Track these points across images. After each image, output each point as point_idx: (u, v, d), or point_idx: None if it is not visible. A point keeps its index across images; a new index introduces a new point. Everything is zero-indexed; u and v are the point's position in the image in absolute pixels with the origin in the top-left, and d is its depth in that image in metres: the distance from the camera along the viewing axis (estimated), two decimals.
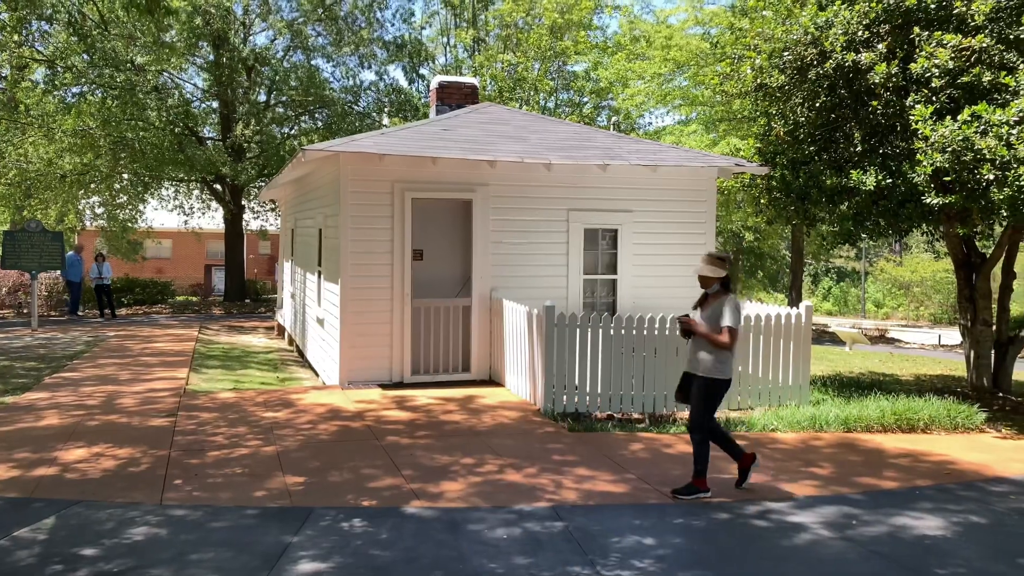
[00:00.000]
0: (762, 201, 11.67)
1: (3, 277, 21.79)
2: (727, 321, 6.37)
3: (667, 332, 9.41)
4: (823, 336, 22.14)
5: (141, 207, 26.15)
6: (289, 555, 5.00)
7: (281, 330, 17.08)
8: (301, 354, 14.07)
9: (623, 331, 9.32)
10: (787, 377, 9.88)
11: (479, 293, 10.96)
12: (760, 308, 10.96)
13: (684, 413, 9.44)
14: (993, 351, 11.20)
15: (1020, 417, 9.82)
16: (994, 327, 11.21)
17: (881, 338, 23.14)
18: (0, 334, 16.48)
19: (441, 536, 5.40)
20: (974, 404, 9.58)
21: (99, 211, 25.67)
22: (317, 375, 12.08)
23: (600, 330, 9.26)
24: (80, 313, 21.52)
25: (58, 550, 4.99)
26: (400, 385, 10.60)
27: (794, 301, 24.52)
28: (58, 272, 22.55)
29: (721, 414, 9.31)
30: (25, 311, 21.00)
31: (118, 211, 25.32)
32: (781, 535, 5.56)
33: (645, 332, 9.38)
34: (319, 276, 12.24)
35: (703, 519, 5.87)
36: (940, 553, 5.22)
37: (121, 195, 25.38)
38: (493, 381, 10.94)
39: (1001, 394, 10.93)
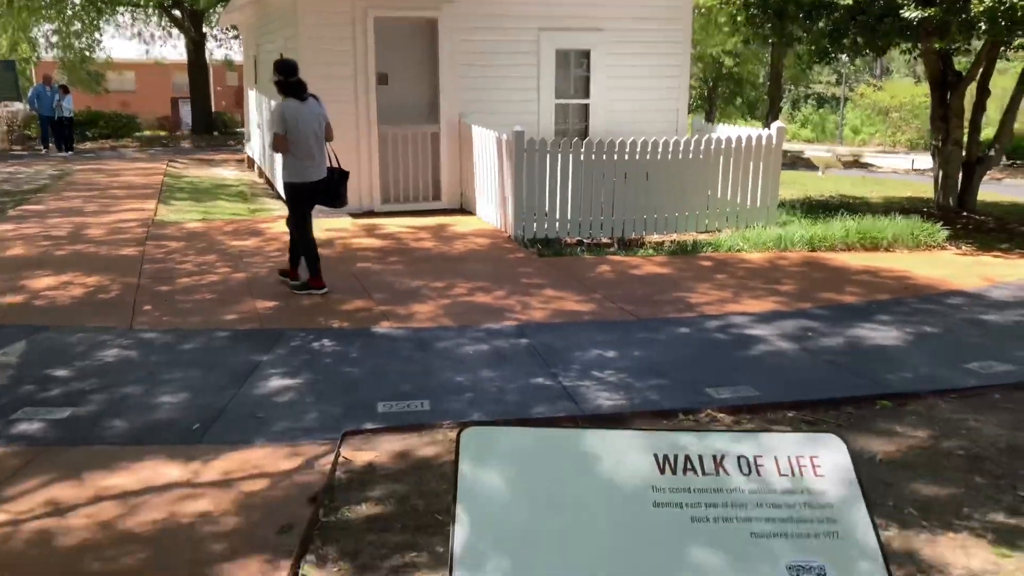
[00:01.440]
0: (738, 19, 11.28)
1: None
2: (273, 128, 6.79)
3: (637, 157, 9.32)
4: (797, 162, 22.08)
5: (98, 35, 24.93)
6: (259, 373, 5.12)
7: (251, 162, 16.76)
8: (271, 185, 13.88)
9: (594, 156, 9.21)
10: (755, 199, 9.91)
11: (448, 119, 10.72)
12: (731, 130, 10.84)
13: (652, 237, 9.53)
14: (961, 171, 11.24)
15: (981, 235, 9.99)
16: (964, 148, 11.19)
17: (855, 163, 23.13)
18: None
19: (409, 353, 5.53)
20: (938, 223, 9.71)
21: (54, 39, 24.47)
22: None
23: (571, 155, 9.15)
24: (50, 147, 20.97)
25: (30, 372, 5.08)
26: (371, 214, 10.55)
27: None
28: (20, 105, 21.74)
29: (689, 236, 9.42)
30: None
31: (74, 40, 24.14)
32: (739, 346, 5.74)
33: (616, 157, 9.28)
34: None
35: (664, 333, 6.03)
36: (890, 360, 5.43)
37: (74, 21, 24.11)
38: (464, 209, 10.91)
39: (966, 213, 11.07)
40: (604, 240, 9.38)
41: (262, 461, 3.90)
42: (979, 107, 11.16)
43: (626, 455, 1.80)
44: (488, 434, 1.91)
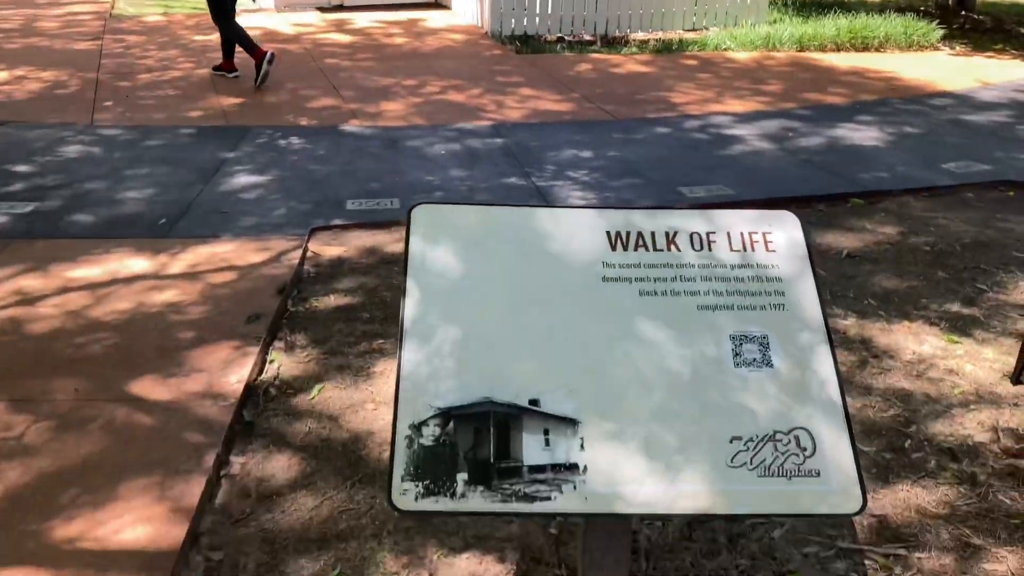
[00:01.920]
0: None
1: None
2: None
3: None
4: None
5: None
6: (225, 169, 5.01)
7: None
8: None
9: None
10: None
11: None
12: None
13: (637, 35, 9.15)
14: None
15: (978, 35, 9.67)
16: None
17: None
18: None
19: (379, 152, 5.41)
20: (934, 22, 9.34)
21: None
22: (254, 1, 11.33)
23: None
24: None
25: None
26: (340, 8, 10.02)
27: None
28: None
29: (675, 34, 9.05)
30: None
31: None
32: (718, 146, 5.64)
33: None
34: None
35: (642, 133, 5.91)
36: (867, 159, 5.37)
37: None
38: (440, 3, 10.37)
39: (964, 12, 10.65)
40: (587, 37, 9.00)
41: (230, 255, 3.88)
42: None
43: (578, 232, 1.77)
44: (439, 211, 1.86)
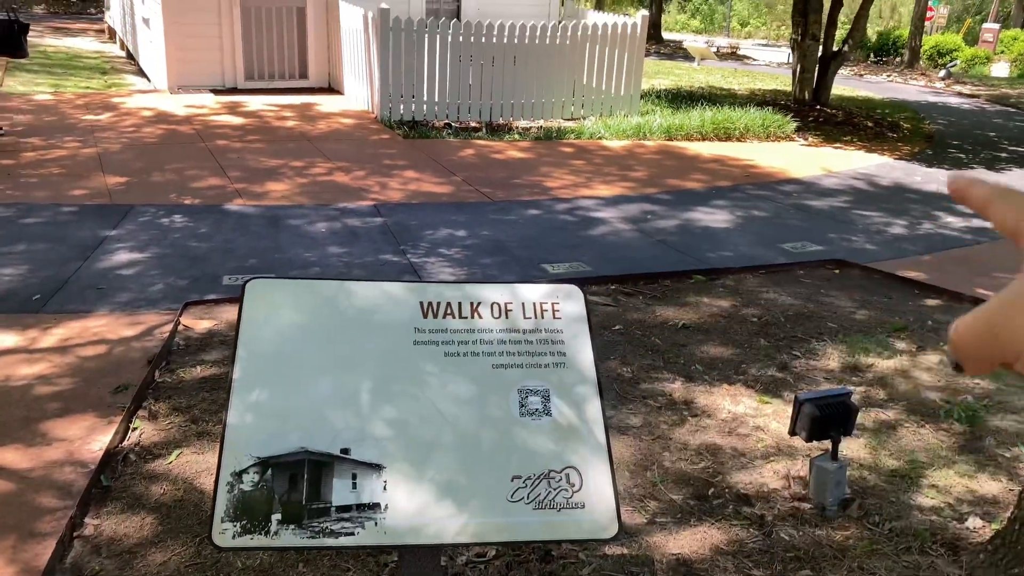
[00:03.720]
0: None
1: None
2: None
3: (505, 41, 9.35)
4: (676, 52, 22.42)
5: None
6: (105, 247, 5.12)
7: (112, 33, 15.77)
8: (133, 59, 13.19)
9: (461, 38, 9.20)
10: (620, 87, 10.16)
11: None
12: (600, 17, 10.96)
13: (520, 122, 9.70)
14: (818, 65, 11.78)
15: (829, 127, 10.62)
16: (821, 43, 11.70)
17: (732, 55, 23.65)
18: None
19: (261, 230, 5.61)
20: (790, 115, 10.24)
21: None
22: (148, 80, 11.47)
23: (438, 36, 9.11)
24: None
25: None
26: (234, 91, 10.26)
27: (655, 16, 24.43)
28: None
29: (556, 123, 9.64)
30: None
31: None
32: (583, 227, 6.07)
33: (483, 40, 9.29)
34: None
35: (515, 215, 6.30)
36: (716, 239, 5.88)
37: None
38: (332, 88, 10.75)
39: (819, 106, 11.68)
40: (472, 124, 9.49)
41: (102, 329, 4.00)
42: (836, 3, 11.62)
43: (395, 302, 2.04)
44: (272, 285, 2.12)
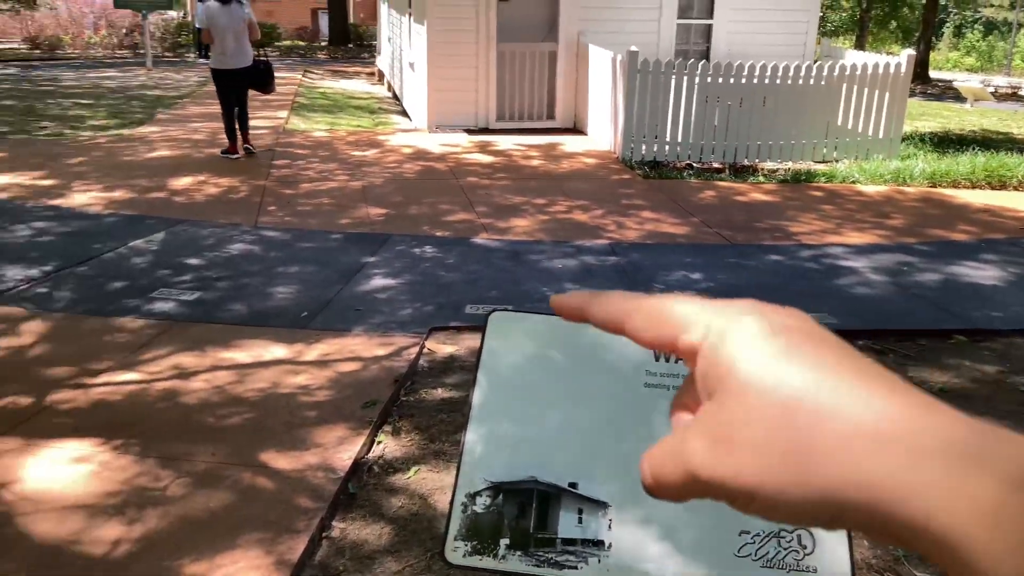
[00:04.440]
0: None
1: (120, 17, 22.44)
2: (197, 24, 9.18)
3: (755, 81, 9.15)
4: (945, 92, 20.80)
5: None
6: (365, 272, 5.58)
7: (381, 76, 17.28)
8: (397, 99, 14.36)
9: (709, 79, 9.12)
10: (879, 130, 9.59)
11: (566, 37, 10.77)
12: (859, 56, 10.43)
13: (766, 164, 9.42)
14: None
15: None
16: None
17: (1013, 96, 21.54)
18: (118, 72, 17.33)
19: (502, 263, 5.87)
20: None
21: None
22: (410, 120, 12.42)
23: (685, 77, 9.10)
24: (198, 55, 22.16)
25: (166, 259, 5.72)
26: (485, 131, 10.84)
27: (922, 53, 22.85)
28: (173, 13, 22.99)
29: (805, 166, 9.27)
30: (141, 52, 21.79)
31: None
32: (828, 275, 5.77)
33: (732, 80, 9.16)
34: (409, 18, 12.20)
35: (755, 259, 6.12)
36: (983, 297, 5.35)
37: None
38: (577, 129, 11.03)
39: None
40: (715, 165, 9.35)
41: (357, 347, 4.35)
42: None
43: (629, 344, 2.06)
44: (513, 318, 2.21)
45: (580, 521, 2.09)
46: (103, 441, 3.31)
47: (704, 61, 9.31)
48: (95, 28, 23.24)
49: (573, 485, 2.14)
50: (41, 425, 3.45)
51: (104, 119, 11.23)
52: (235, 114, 8.74)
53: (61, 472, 3.08)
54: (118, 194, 7.32)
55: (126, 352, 4.20)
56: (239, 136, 8.86)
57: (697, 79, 9.07)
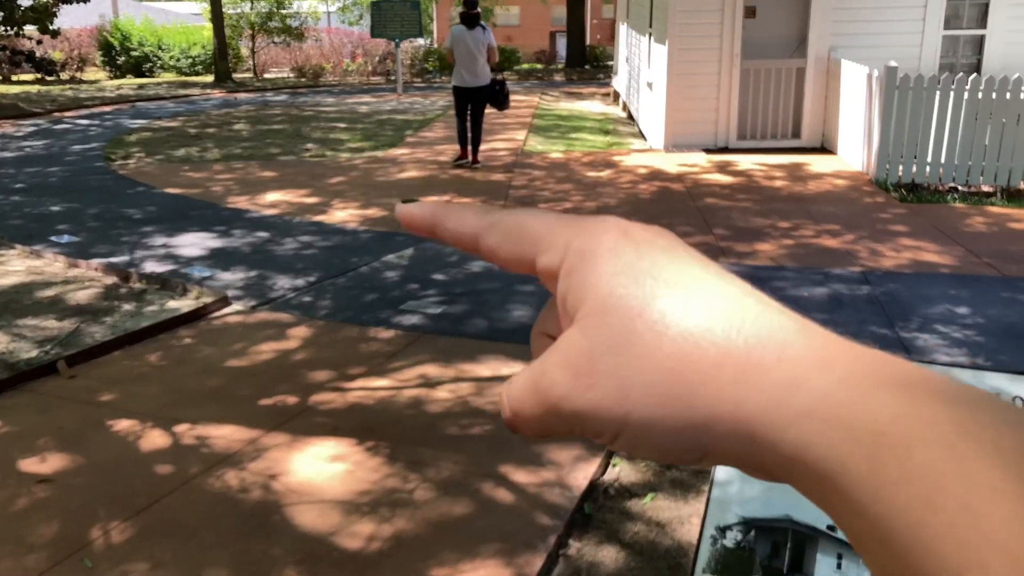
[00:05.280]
0: None
1: (374, 46, 24.32)
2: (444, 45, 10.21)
3: None
4: None
5: None
6: None
7: (616, 96, 17.41)
8: (633, 120, 14.38)
9: (980, 95, 8.31)
10: None
11: (815, 53, 10.26)
12: None
13: None
14: None
15: None
16: None
17: None
18: (371, 98, 18.74)
19: None
20: None
21: None
22: (646, 140, 12.38)
23: (951, 93, 8.34)
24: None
25: (414, 273, 6.05)
26: (725, 150, 10.55)
27: None
28: (422, 40, 24.58)
29: None
30: (392, 78, 23.44)
31: None
32: None
33: (1008, 96, 8.28)
34: (649, 38, 12.18)
35: None
36: None
37: None
38: (825, 149, 10.46)
39: None
40: (985, 188, 8.49)
41: None
42: None
43: None
44: None
45: (839, 567, 1.91)
46: (357, 442, 3.53)
47: (975, 75, 8.49)
48: (352, 57, 25.33)
49: (831, 528, 1.96)
50: (304, 423, 3.74)
51: (360, 141, 12.16)
52: (467, 127, 9.67)
53: (321, 468, 3.32)
54: (372, 211, 7.87)
55: (379, 359, 4.47)
56: (469, 150, 9.79)
57: (966, 94, 8.29)
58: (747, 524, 1.77)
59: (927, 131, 8.46)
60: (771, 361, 0.27)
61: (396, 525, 2.91)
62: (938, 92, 8.34)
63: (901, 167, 8.56)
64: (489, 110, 9.81)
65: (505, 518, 2.96)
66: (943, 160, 8.51)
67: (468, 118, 9.67)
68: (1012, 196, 8.18)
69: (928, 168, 8.56)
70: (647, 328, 0.29)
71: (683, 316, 0.28)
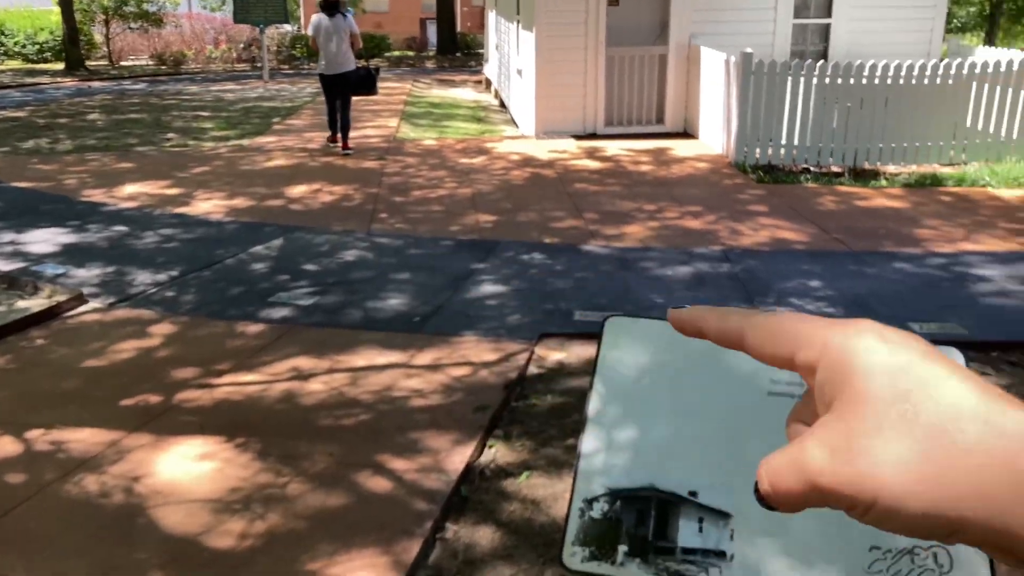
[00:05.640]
0: None
1: (238, 32, 23.47)
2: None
3: (876, 82, 8.77)
4: None
5: None
6: (474, 278, 5.61)
7: (488, 83, 17.46)
8: (504, 107, 14.46)
9: (827, 80, 8.80)
10: (1011, 131, 9.03)
11: (677, 40, 10.60)
12: (987, 53, 9.87)
13: (889, 167, 9.02)
14: None
15: None
16: None
17: None
18: (237, 85, 18.11)
19: (611, 270, 5.80)
20: None
21: None
22: (517, 127, 12.49)
23: (801, 78, 8.80)
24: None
25: (284, 265, 5.90)
26: (593, 136, 10.77)
27: None
28: (288, 27, 23.89)
29: (931, 168, 8.83)
30: (258, 65, 22.70)
31: None
32: (959, 284, 5.46)
33: (852, 81, 8.80)
34: (517, 25, 12.27)
35: (878, 267, 5.85)
36: None
37: None
38: (688, 133, 10.84)
39: None
40: (834, 169, 9.01)
41: (468, 352, 4.37)
42: None
43: None
44: (628, 323, 2.16)
45: (701, 530, 2.01)
46: (226, 439, 3.42)
47: (822, 61, 8.98)
48: (215, 43, 24.39)
49: (693, 494, 2.06)
50: (169, 423, 3.60)
51: (224, 130, 11.74)
52: (337, 113, 9.75)
53: (189, 468, 3.20)
54: (238, 202, 7.62)
55: (248, 354, 4.35)
56: (339, 136, 9.82)
57: (815, 80, 8.76)
58: (613, 495, 1.83)
59: (781, 115, 8.89)
60: (1015, 451, 0.30)
61: (269, 521, 2.85)
62: (789, 77, 8.78)
63: (758, 150, 8.98)
64: (361, 97, 9.86)
65: (382, 507, 2.95)
66: (796, 142, 8.98)
67: (336, 106, 9.68)
68: (858, 175, 8.71)
69: (783, 150, 9.01)
70: (899, 417, 0.32)
71: (934, 408, 0.32)
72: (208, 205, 7.51)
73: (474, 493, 3.02)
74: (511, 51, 13.27)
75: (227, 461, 3.24)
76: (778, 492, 0.38)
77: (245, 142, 10.77)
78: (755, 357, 0.42)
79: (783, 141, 8.98)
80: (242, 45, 23.83)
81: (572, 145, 10.25)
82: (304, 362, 4.25)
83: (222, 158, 9.73)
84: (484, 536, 2.75)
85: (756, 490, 0.42)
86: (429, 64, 24.87)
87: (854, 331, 0.36)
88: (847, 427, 0.34)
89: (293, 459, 3.26)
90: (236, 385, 3.97)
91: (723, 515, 1.88)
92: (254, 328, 4.73)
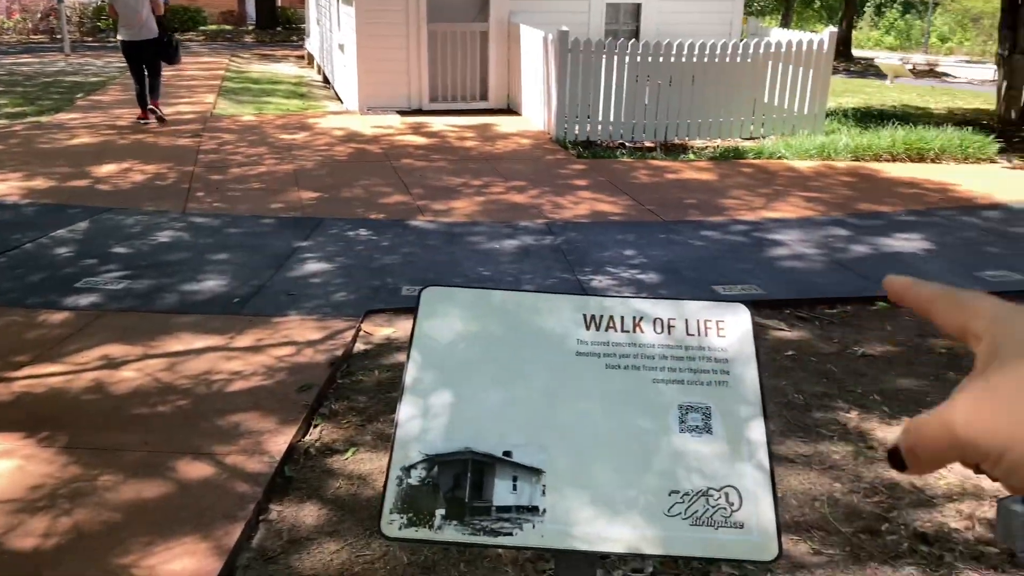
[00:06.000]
0: None
1: (34, 2, 21.60)
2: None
3: (683, 60, 9.27)
4: (868, 70, 21.38)
5: None
6: (297, 256, 5.51)
7: (310, 59, 17.00)
8: (328, 82, 14.14)
9: (639, 58, 9.20)
10: (804, 106, 9.81)
11: (497, 17, 10.74)
12: (784, 34, 10.64)
13: (697, 142, 9.56)
14: None
15: None
16: None
17: (930, 72, 22.24)
18: (34, 58, 16.71)
19: (439, 245, 5.85)
20: (992, 136, 9.50)
21: None
22: (341, 102, 12.26)
23: (615, 56, 9.16)
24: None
25: (91, 248, 5.56)
26: (419, 112, 10.76)
27: (844, 32, 23.40)
28: None
29: (734, 142, 9.44)
30: (58, 36, 20.99)
31: None
32: (758, 249, 5.90)
33: (661, 60, 9.25)
34: (338, 0, 12.01)
35: (687, 235, 6.22)
36: (907, 266, 5.54)
37: None
38: (511, 110, 11.03)
39: None
40: (647, 144, 9.46)
41: (291, 332, 4.30)
42: None
43: (560, 314, 2.09)
44: (446, 292, 2.21)
45: (514, 488, 2.10)
46: (26, 435, 3.21)
47: (633, 40, 9.38)
48: (8, 13, 22.34)
49: (508, 454, 2.14)
50: None
51: (19, 106, 10.83)
52: (146, 84, 9.48)
53: None
54: (37, 182, 7.08)
55: (50, 344, 4.08)
56: (149, 99, 9.58)
57: (627, 58, 9.14)
58: (430, 460, 1.88)
59: (597, 92, 9.23)
60: None
61: (78, 517, 2.71)
62: (604, 56, 9.12)
63: (577, 126, 9.28)
64: (169, 69, 9.49)
65: (202, 493, 2.87)
66: (612, 119, 9.35)
67: (144, 75, 9.35)
68: (669, 150, 9.19)
69: (600, 127, 9.36)
70: None
71: None
72: (3, 187, 6.93)
73: (299, 472, 3.00)
74: (332, 25, 12.97)
75: (28, 458, 3.05)
76: (923, 442, 0.42)
77: (44, 119, 9.98)
78: (938, 322, 0.48)
79: (600, 118, 9.33)
80: (39, 15, 21.93)
81: (397, 121, 10.20)
82: (114, 349, 4.04)
83: (17, 136, 8.98)
84: (309, 514, 2.74)
85: (889, 451, 0.47)
86: (248, 39, 23.87)
87: (1017, 310, 0.42)
88: (992, 384, 0.39)
89: (104, 451, 3.11)
90: (37, 377, 3.72)
91: (535, 472, 2.02)
92: (58, 316, 4.44)
